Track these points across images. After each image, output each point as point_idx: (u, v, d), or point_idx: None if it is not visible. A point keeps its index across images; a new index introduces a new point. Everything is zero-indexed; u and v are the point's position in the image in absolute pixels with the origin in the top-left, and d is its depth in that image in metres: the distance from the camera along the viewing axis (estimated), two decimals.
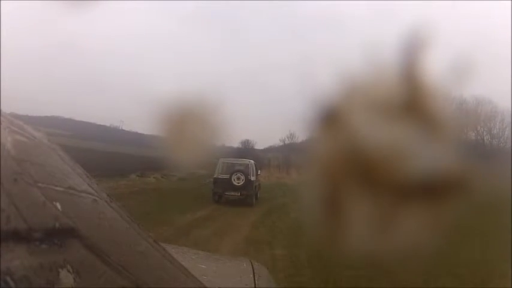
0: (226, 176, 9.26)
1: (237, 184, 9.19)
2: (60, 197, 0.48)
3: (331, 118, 0.48)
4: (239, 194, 9.25)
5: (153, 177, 16.03)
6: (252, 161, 10.38)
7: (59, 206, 0.46)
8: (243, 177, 9.20)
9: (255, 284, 1.32)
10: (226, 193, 9.26)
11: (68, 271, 0.43)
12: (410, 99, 0.46)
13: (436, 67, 0.46)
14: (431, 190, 0.45)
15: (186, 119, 0.78)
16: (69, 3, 0.96)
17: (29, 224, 0.40)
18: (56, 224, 0.45)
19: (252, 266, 1.51)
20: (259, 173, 10.67)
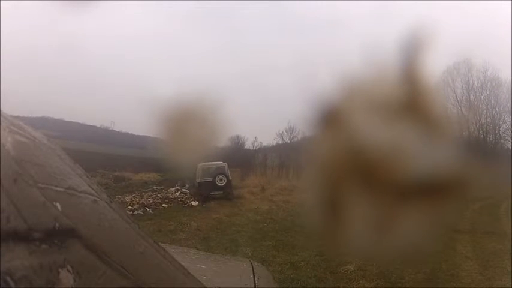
0: (210, 179, 10.80)
1: (220, 184, 10.80)
2: (60, 198, 0.48)
3: (331, 118, 0.48)
4: (222, 192, 10.75)
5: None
6: (225, 163, 11.51)
7: (58, 206, 0.46)
8: (224, 178, 10.89)
9: (254, 284, 1.32)
10: (211, 193, 10.62)
11: (68, 271, 0.43)
12: (410, 99, 0.46)
13: (436, 66, 0.46)
14: (432, 190, 0.45)
15: (183, 120, 0.78)
16: (60, 3, 0.96)
17: (29, 224, 0.40)
18: (56, 224, 0.45)
19: (252, 266, 1.51)
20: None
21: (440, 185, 0.44)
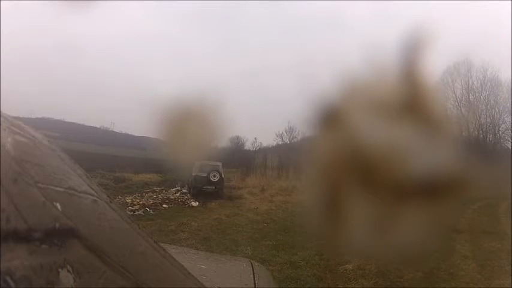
0: (205, 174, 11.74)
1: (213, 180, 11.88)
2: (60, 198, 0.48)
3: (331, 118, 0.48)
4: (214, 188, 11.81)
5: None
6: (220, 162, 12.52)
7: (58, 206, 0.46)
8: (218, 175, 11.96)
9: (254, 284, 1.32)
10: (204, 187, 11.71)
11: (68, 271, 0.43)
12: (410, 99, 0.46)
13: (436, 66, 0.46)
14: (431, 189, 0.45)
15: (184, 120, 0.78)
16: (60, 3, 0.95)
17: (29, 224, 0.40)
18: (56, 224, 0.45)
19: (252, 266, 1.51)
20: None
21: (440, 185, 0.45)
